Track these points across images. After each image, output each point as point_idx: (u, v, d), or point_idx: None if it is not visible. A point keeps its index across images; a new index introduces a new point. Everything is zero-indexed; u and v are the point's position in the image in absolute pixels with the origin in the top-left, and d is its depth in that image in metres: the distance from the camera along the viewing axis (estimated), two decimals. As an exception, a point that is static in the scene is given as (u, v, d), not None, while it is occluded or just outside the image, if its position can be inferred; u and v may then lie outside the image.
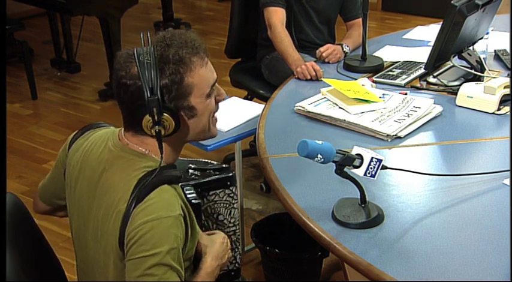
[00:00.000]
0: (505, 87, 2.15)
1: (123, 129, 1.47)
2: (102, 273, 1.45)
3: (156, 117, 1.35)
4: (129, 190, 1.36)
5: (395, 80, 2.44)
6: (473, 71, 2.39)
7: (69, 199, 1.54)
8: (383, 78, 2.47)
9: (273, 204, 3.16)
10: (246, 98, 3.20)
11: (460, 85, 2.25)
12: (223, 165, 1.78)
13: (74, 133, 1.58)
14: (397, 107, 2.14)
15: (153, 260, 1.31)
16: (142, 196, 1.34)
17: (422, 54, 2.59)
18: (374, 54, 2.73)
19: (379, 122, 2.04)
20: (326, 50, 2.71)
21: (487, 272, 1.37)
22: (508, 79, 2.26)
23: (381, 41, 2.97)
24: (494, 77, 2.34)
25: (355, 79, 2.45)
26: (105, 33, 4.28)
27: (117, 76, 1.39)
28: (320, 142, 1.45)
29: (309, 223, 1.56)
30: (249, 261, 2.77)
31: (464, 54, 2.41)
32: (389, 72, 2.52)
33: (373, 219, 1.54)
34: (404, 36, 3.06)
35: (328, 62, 2.70)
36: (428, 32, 3.02)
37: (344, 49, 2.75)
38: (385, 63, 2.63)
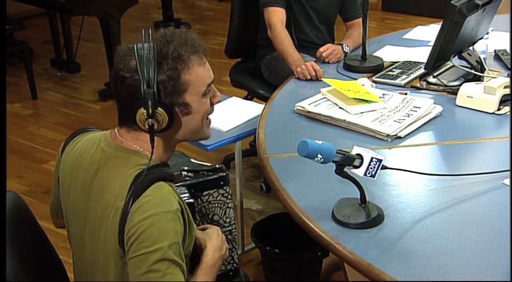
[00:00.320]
0: (505, 87, 2.15)
1: (116, 128, 1.48)
2: (103, 273, 1.45)
3: (150, 111, 1.36)
4: (126, 187, 1.36)
5: (395, 80, 2.44)
6: (473, 71, 2.39)
7: (65, 203, 1.54)
8: (383, 78, 2.47)
9: (273, 204, 3.16)
10: (246, 98, 3.20)
11: (460, 85, 2.25)
12: (217, 166, 1.78)
13: (65, 140, 1.59)
14: (397, 107, 2.14)
15: (156, 256, 1.31)
16: (138, 193, 1.35)
17: (422, 54, 2.58)
18: (374, 54, 2.73)
19: (379, 122, 2.04)
20: (326, 50, 2.71)
21: (487, 272, 1.37)
22: (508, 79, 2.26)
23: (381, 41, 2.96)
24: (494, 77, 2.34)
25: (355, 79, 2.45)
26: (105, 33, 4.27)
27: (115, 68, 1.40)
28: (320, 142, 1.46)
29: (309, 223, 1.56)
30: (249, 261, 2.77)
31: (464, 54, 2.41)
32: (389, 72, 2.52)
33: (373, 219, 1.54)
34: (404, 36, 3.06)
35: (328, 62, 2.70)
36: (428, 32, 3.02)
37: (344, 49, 2.75)
38: (385, 63, 2.63)
